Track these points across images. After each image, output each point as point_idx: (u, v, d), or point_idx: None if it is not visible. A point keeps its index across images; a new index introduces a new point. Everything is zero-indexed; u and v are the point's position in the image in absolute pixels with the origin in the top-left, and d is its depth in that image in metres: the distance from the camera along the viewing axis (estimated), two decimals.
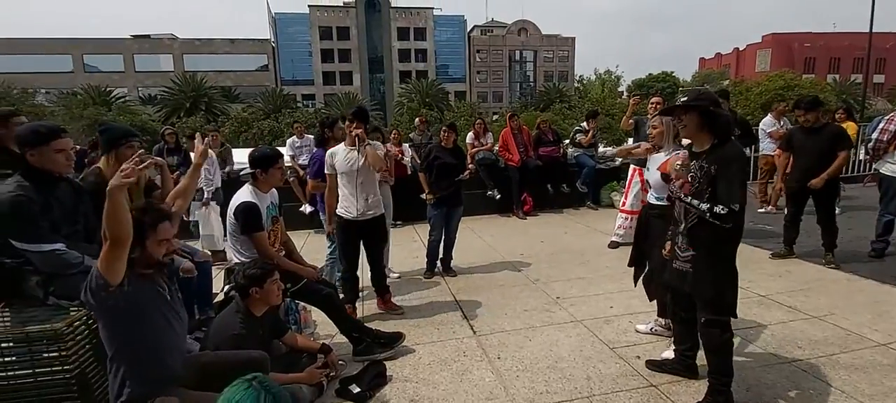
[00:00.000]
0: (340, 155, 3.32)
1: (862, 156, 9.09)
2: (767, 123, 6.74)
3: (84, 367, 1.98)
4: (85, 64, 43.08)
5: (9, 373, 1.91)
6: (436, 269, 4.46)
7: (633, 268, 2.92)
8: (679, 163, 2.20)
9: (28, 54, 40.37)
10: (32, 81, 34.47)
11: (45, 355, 1.92)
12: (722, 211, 1.94)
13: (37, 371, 1.91)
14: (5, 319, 2.04)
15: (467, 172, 4.59)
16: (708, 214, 1.98)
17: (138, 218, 1.74)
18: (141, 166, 2.08)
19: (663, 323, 2.94)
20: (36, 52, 40.88)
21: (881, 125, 4.42)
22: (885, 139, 4.30)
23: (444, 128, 4.61)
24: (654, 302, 2.99)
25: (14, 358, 1.92)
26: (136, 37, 45.89)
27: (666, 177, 2.49)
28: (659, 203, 2.65)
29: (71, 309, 2.06)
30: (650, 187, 2.76)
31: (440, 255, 4.46)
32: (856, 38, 47.26)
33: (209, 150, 2.87)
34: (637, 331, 3.04)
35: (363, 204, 3.31)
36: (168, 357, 1.84)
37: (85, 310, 2.04)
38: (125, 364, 1.75)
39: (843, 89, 39.75)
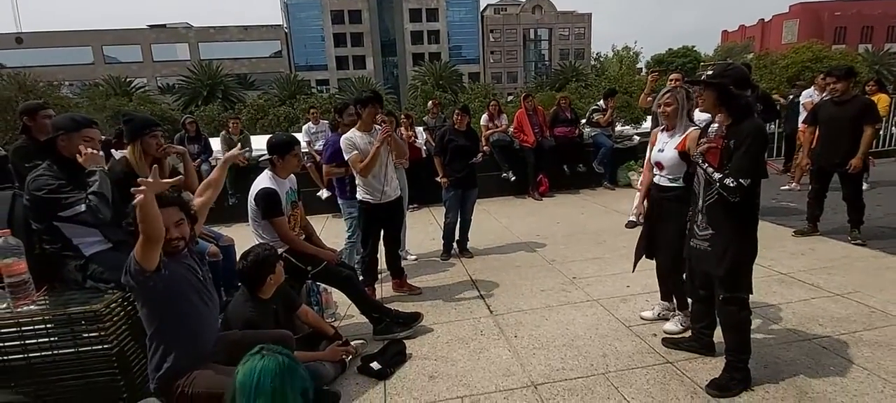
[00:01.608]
0: (360, 141, 3.32)
1: (894, 130, 8.75)
2: (806, 95, 6.49)
3: (123, 344, 2.09)
4: (105, 55, 44.06)
5: (54, 352, 2.04)
6: (452, 251, 4.51)
7: (636, 252, 2.82)
8: (715, 126, 2.14)
9: (50, 47, 41.41)
10: (56, 74, 35.31)
11: (85, 334, 2.04)
12: (731, 184, 1.96)
13: (79, 348, 2.04)
14: (48, 301, 2.17)
15: (481, 155, 4.59)
16: (718, 183, 2.00)
17: None
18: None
19: (669, 306, 2.89)
20: (58, 45, 41.92)
21: None
22: None
23: (456, 111, 4.61)
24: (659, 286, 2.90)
25: (57, 338, 2.05)
26: (152, 26, 46.54)
27: (684, 155, 2.42)
28: (674, 185, 2.53)
29: (107, 291, 2.18)
30: (663, 168, 2.57)
31: (456, 238, 4.51)
32: (890, 5, 44.89)
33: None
34: (642, 319, 2.95)
35: (385, 188, 3.38)
36: (204, 335, 1.96)
37: (120, 292, 2.16)
38: (165, 341, 1.87)
39: (877, 60, 37.96)
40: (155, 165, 1.91)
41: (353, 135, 3.34)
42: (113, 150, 4.76)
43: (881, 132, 7.57)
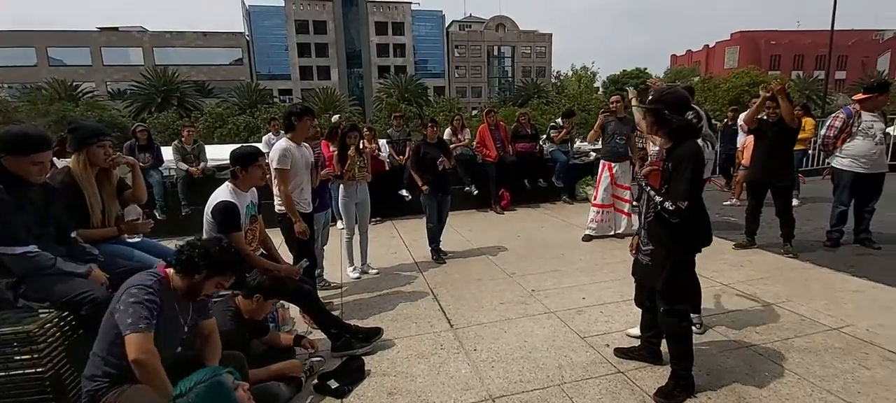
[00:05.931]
0: (295, 151, 3.38)
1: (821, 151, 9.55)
2: (744, 117, 6.94)
3: (58, 368, 1.96)
4: (49, 57, 41.20)
5: None
6: (442, 253, 4.82)
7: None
8: (656, 149, 2.28)
9: None
10: None
11: (17, 358, 1.90)
12: (670, 207, 2.07)
13: (10, 372, 1.89)
14: None
15: (451, 162, 4.85)
16: (659, 206, 2.12)
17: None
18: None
19: None
20: None
21: (828, 122, 4.68)
22: (831, 135, 4.56)
23: (429, 123, 5.04)
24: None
25: None
26: (103, 29, 44.13)
27: None
28: None
29: (40, 311, 2.04)
30: None
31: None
32: (818, 36, 49.14)
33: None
34: (628, 336, 2.95)
35: (310, 198, 3.58)
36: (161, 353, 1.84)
37: (56, 312, 2.03)
38: (113, 356, 1.74)
39: (807, 85, 41.39)
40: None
41: (287, 145, 3.36)
42: (55, 158, 4.46)
43: (809, 152, 8.21)
